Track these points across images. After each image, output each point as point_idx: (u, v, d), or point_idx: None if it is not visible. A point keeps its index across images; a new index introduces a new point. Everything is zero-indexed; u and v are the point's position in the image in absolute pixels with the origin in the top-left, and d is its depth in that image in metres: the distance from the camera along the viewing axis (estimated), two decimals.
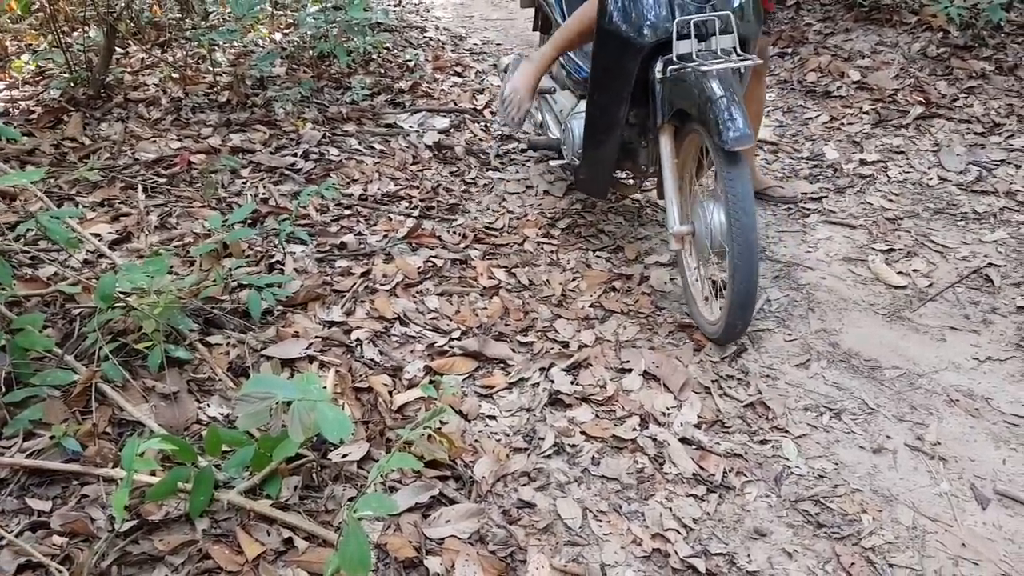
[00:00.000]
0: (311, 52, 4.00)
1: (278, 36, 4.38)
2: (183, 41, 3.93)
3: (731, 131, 1.93)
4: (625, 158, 2.57)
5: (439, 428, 1.77)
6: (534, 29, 3.55)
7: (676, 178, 2.28)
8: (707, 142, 2.08)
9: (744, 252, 1.96)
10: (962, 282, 2.55)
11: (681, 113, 2.18)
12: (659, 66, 2.18)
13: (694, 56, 2.07)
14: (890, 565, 1.61)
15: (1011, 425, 1.99)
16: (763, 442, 1.93)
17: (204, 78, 3.73)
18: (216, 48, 3.93)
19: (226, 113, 3.41)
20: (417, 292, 2.38)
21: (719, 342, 2.23)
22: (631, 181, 2.83)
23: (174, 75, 3.67)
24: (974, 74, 3.85)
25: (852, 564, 1.61)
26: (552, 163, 2.82)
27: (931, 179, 3.18)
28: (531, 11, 3.53)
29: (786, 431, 1.97)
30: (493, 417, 1.94)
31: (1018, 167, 3.21)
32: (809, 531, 1.69)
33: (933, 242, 2.78)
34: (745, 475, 1.82)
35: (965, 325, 2.36)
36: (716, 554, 1.61)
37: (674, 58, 2.08)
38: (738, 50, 2.10)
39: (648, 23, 2.16)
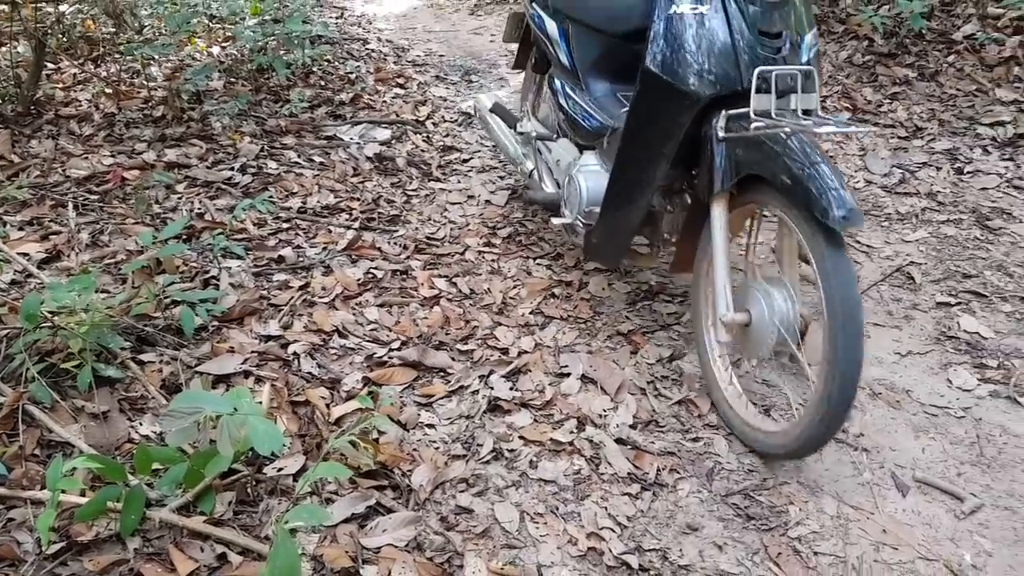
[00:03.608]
0: (249, 65, 3.97)
1: (216, 50, 4.34)
2: (117, 56, 3.87)
3: (837, 207, 1.61)
4: (645, 223, 2.25)
5: (376, 439, 1.78)
6: (515, 67, 3.25)
7: (727, 255, 1.92)
8: (791, 217, 1.76)
9: (848, 352, 1.62)
10: (885, 280, 2.66)
11: (745, 180, 1.87)
12: (721, 122, 1.86)
13: (773, 113, 1.74)
14: (815, 553, 1.68)
15: (930, 415, 2.09)
16: (696, 440, 1.99)
17: (138, 93, 3.67)
18: (151, 63, 3.88)
19: (161, 128, 3.36)
20: (356, 304, 2.39)
21: (790, 456, 1.84)
22: (647, 249, 2.47)
23: (107, 90, 3.61)
24: (898, 80, 4.02)
25: (779, 554, 1.67)
26: (554, 221, 2.48)
27: (857, 182, 3.31)
28: (478, 26, 3.54)
29: (718, 428, 2.03)
30: (432, 425, 1.95)
31: (938, 169, 3.37)
32: (739, 524, 1.75)
33: (859, 242, 2.90)
34: (678, 472, 1.88)
35: (888, 321, 2.46)
36: (649, 550, 1.65)
37: (752, 114, 1.74)
38: (819, 111, 1.82)
39: (711, 71, 1.84)
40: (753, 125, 1.73)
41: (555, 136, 2.68)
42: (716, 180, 1.89)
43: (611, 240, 2.29)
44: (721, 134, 1.86)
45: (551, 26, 2.60)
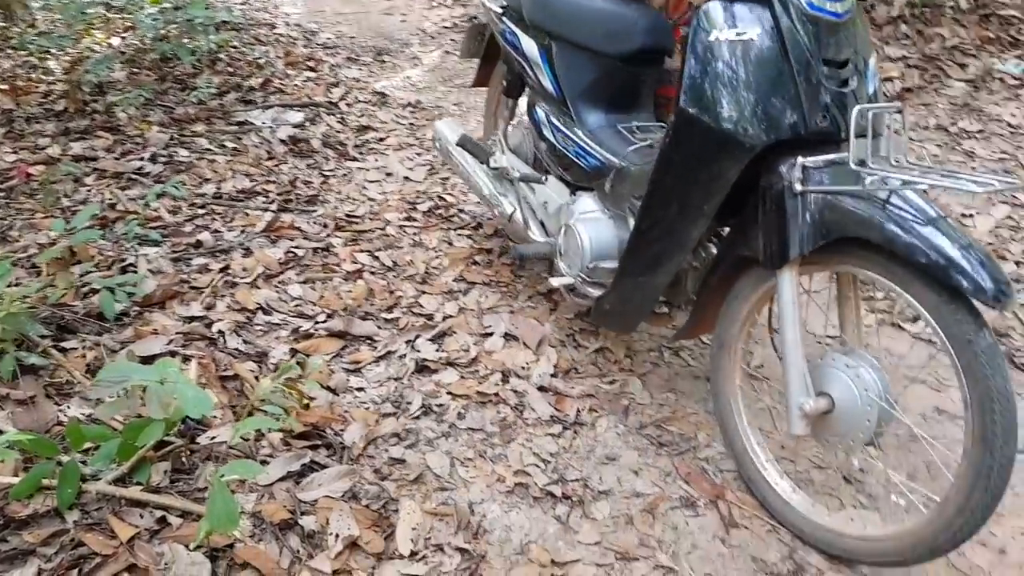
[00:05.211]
0: (152, 55, 3.90)
1: (116, 41, 4.23)
2: (10, 51, 3.74)
3: (989, 280, 1.32)
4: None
5: (306, 404, 1.85)
6: (474, 84, 2.91)
7: (801, 332, 1.58)
8: (910, 291, 1.44)
9: (1004, 453, 1.37)
10: None
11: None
12: (796, 172, 1.49)
13: (869, 163, 1.43)
14: (720, 471, 1.84)
15: (823, 344, 2.28)
16: (612, 382, 2.13)
17: (37, 88, 3.57)
18: (48, 56, 3.77)
19: (64, 122, 3.29)
20: (279, 282, 2.43)
21: (907, 563, 1.55)
22: (664, 310, 2.10)
23: (3, 86, 3.50)
24: None
25: (689, 473, 1.82)
26: (552, 282, 2.14)
27: None
28: (388, 7, 3.46)
29: (632, 371, 2.17)
30: (361, 389, 2.03)
31: None
32: (652, 451, 1.89)
33: None
34: (597, 411, 2.01)
35: None
36: (572, 480, 1.78)
37: (852, 164, 1.44)
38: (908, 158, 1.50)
39: (766, 111, 1.49)
40: (870, 179, 1.40)
41: (543, 178, 2.30)
42: (792, 244, 1.51)
43: (630, 307, 1.96)
44: (799, 187, 1.49)
45: (529, 45, 2.24)
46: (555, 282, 2.11)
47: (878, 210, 1.42)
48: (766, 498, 1.75)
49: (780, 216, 1.52)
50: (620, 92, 2.15)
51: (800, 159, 1.50)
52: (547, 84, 2.19)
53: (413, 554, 1.55)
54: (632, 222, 1.87)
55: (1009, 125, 3.47)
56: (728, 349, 1.80)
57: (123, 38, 4.25)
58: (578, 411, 1.99)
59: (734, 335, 1.79)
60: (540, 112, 2.25)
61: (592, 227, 2.01)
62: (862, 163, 1.44)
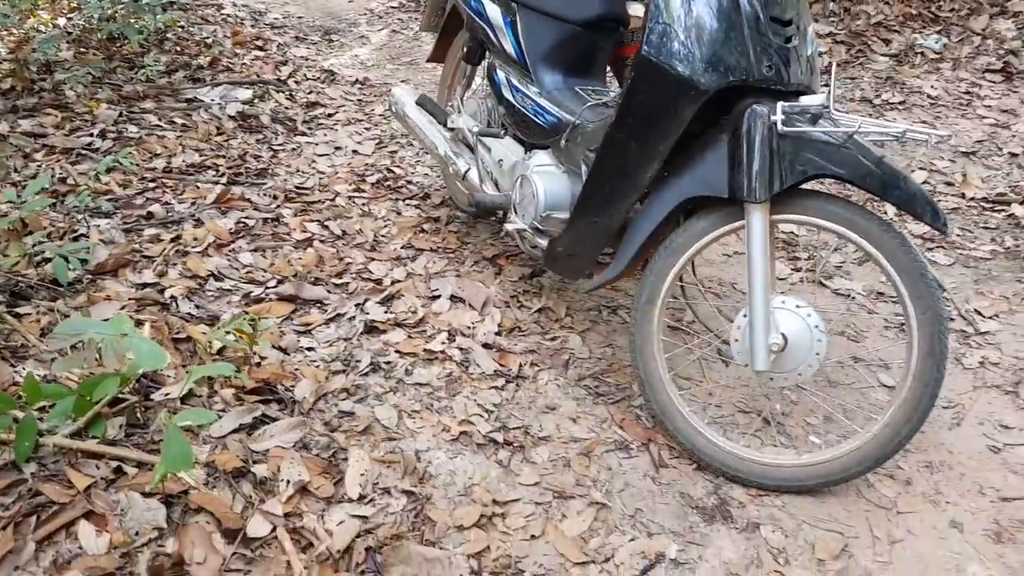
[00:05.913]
0: (99, 34, 3.88)
1: (62, 21, 4.20)
2: None
3: (938, 210, 1.60)
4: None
5: (257, 361, 1.93)
6: (430, 60, 3.00)
7: (769, 275, 1.74)
8: (863, 236, 1.67)
9: (939, 369, 1.63)
10: None
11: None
12: (777, 115, 1.62)
13: (832, 109, 1.63)
14: (652, 416, 1.97)
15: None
16: (553, 339, 2.24)
17: None
18: None
19: (11, 100, 3.28)
20: (230, 251, 2.49)
21: (842, 480, 1.77)
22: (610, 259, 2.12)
23: None
24: None
25: (623, 420, 1.95)
26: (506, 227, 2.26)
27: None
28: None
29: (572, 328, 2.29)
30: (312, 348, 2.11)
31: None
32: (590, 401, 2.01)
33: None
34: (538, 365, 2.12)
35: None
36: (513, 428, 1.89)
37: (832, 108, 1.62)
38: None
39: (720, 59, 1.65)
40: (862, 122, 1.59)
41: (501, 132, 2.43)
42: (761, 184, 1.65)
43: (582, 250, 2.05)
44: (781, 129, 1.62)
45: (494, 12, 2.37)
46: (509, 226, 2.23)
47: (844, 152, 1.61)
48: (695, 444, 1.84)
49: (759, 153, 1.66)
50: (578, 57, 2.29)
51: (780, 103, 1.64)
52: (509, 48, 2.32)
53: (362, 497, 1.65)
54: (585, 175, 2.00)
55: (929, 97, 3.66)
56: (655, 305, 1.89)
57: (69, 18, 4.21)
58: (520, 366, 2.10)
59: (663, 290, 1.88)
60: (500, 74, 2.37)
61: (546, 179, 2.12)
62: (825, 108, 1.63)
